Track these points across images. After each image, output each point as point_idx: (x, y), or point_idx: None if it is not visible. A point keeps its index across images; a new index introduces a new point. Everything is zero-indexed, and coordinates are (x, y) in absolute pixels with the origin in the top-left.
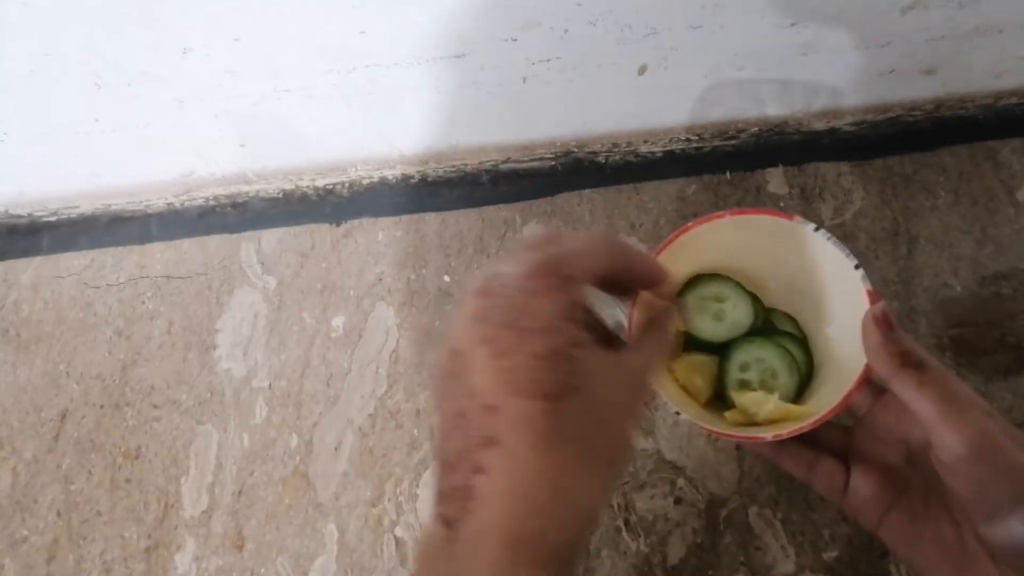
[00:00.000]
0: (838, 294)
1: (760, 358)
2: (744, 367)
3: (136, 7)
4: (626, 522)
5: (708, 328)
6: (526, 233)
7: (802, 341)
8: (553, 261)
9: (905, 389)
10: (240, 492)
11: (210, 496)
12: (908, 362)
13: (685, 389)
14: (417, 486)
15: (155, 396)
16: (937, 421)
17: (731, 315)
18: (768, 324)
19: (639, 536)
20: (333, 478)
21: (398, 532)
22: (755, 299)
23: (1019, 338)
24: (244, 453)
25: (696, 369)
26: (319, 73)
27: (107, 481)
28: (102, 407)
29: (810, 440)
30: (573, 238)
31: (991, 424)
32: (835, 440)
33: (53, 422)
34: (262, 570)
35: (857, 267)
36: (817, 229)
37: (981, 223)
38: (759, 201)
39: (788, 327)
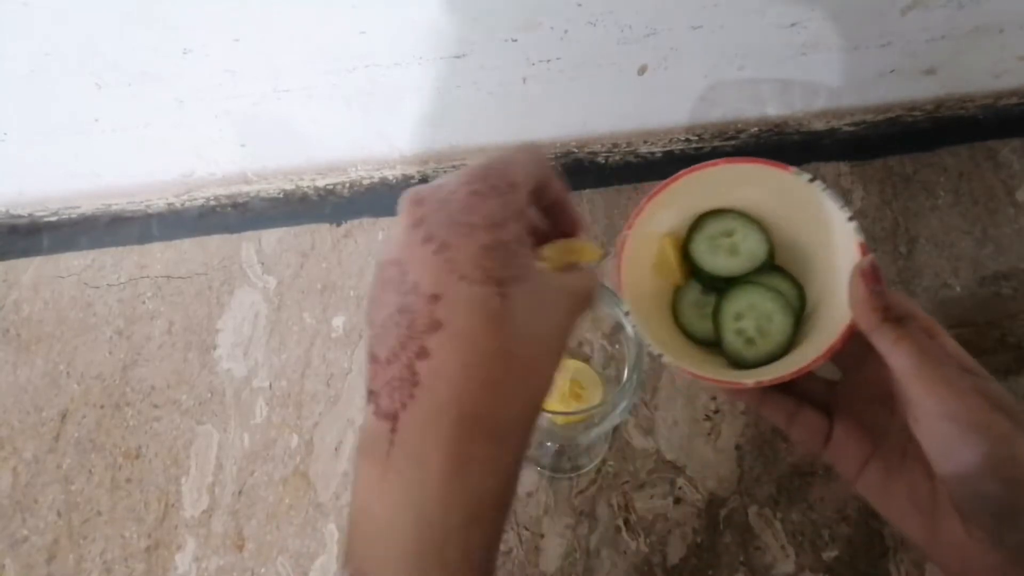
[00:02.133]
0: (831, 246)
1: (753, 304)
2: (739, 316)
3: (136, 7)
4: (626, 522)
5: (723, 264)
6: None
7: (793, 280)
8: (494, 169)
9: (883, 343)
10: (240, 492)
11: (210, 496)
12: (889, 316)
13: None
14: None
15: (155, 396)
16: (910, 377)
17: (744, 246)
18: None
19: (639, 536)
20: (333, 478)
21: None
22: (762, 228)
23: (1019, 338)
24: (244, 453)
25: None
26: (319, 73)
27: (107, 481)
28: (102, 407)
29: (794, 391)
30: (505, 149)
31: (966, 381)
32: (818, 392)
33: (53, 422)
34: (262, 570)
35: (851, 219)
36: (812, 180)
37: (981, 223)
38: None
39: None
